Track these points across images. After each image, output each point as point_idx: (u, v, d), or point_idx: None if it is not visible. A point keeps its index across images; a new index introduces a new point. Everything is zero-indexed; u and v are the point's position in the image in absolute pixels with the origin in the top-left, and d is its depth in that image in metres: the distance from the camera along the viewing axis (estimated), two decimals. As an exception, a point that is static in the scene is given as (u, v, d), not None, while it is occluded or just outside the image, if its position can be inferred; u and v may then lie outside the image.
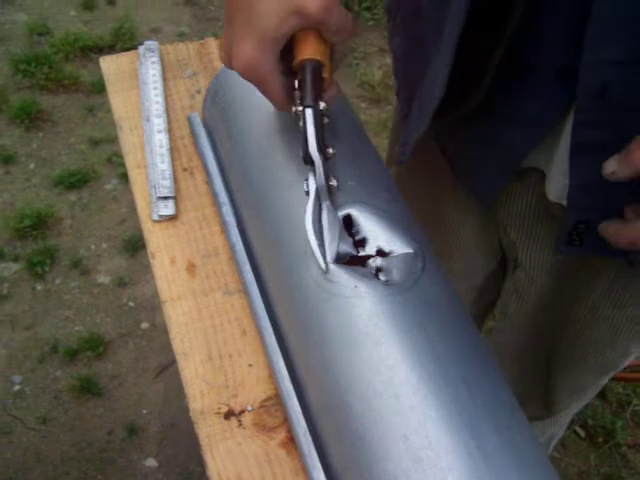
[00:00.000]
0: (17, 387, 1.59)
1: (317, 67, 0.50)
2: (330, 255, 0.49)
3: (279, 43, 0.49)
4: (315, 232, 0.49)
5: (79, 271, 1.80)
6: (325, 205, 0.50)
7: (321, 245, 0.49)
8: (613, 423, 1.53)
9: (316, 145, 0.49)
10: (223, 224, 0.62)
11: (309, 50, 0.49)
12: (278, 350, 0.53)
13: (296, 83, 0.51)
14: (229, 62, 0.52)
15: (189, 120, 0.70)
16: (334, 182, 0.51)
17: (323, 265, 0.48)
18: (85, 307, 1.73)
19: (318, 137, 0.49)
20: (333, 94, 0.54)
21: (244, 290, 0.58)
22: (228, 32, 0.51)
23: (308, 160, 0.50)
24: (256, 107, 0.60)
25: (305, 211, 0.49)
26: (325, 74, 0.51)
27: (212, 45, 0.80)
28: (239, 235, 0.60)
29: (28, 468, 1.47)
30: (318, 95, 0.50)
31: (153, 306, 1.73)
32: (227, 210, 0.61)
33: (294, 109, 0.51)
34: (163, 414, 1.56)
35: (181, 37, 2.47)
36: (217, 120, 0.65)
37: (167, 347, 1.64)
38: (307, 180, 0.51)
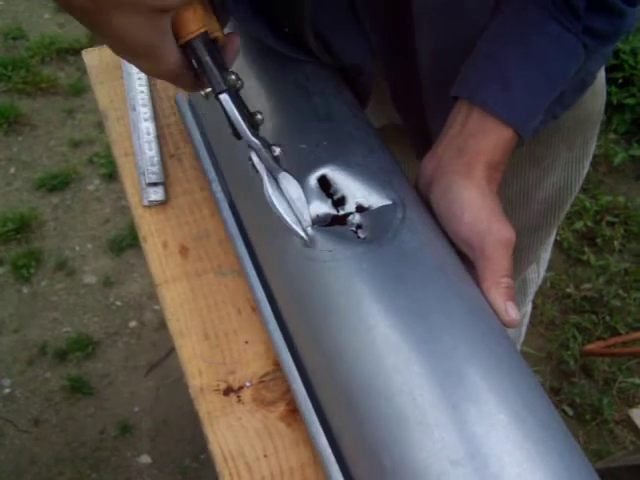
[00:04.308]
0: (7, 390, 1.58)
1: (206, 39, 0.43)
2: (305, 223, 0.48)
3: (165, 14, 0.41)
4: (283, 207, 0.48)
5: (65, 272, 1.79)
6: (281, 176, 0.48)
7: (294, 216, 0.48)
8: (600, 400, 1.55)
9: (246, 129, 0.45)
10: (214, 201, 0.63)
11: (188, 26, 0.42)
12: (274, 320, 0.53)
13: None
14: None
15: (176, 101, 0.71)
16: (279, 149, 0.48)
17: (304, 235, 0.47)
18: (72, 308, 1.73)
19: (245, 119, 0.45)
20: (235, 48, 0.48)
21: (238, 264, 0.59)
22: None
23: (237, 136, 0.46)
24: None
25: (265, 192, 0.47)
26: (215, 34, 0.44)
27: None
28: (230, 211, 0.60)
29: (22, 470, 1.47)
30: (223, 70, 0.44)
31: (140, 304, 1.73)
32: (217, 187, 0.62)
33: (202, 92, 0.46)
34: (155, 411, 1.56)
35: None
36: (199, 99, 0.66)
37: (156, 345, 1.65)
38: (250, 159, 0.47)
